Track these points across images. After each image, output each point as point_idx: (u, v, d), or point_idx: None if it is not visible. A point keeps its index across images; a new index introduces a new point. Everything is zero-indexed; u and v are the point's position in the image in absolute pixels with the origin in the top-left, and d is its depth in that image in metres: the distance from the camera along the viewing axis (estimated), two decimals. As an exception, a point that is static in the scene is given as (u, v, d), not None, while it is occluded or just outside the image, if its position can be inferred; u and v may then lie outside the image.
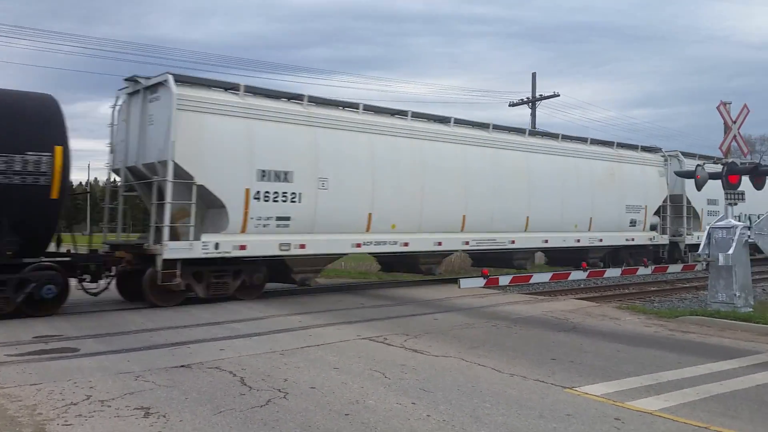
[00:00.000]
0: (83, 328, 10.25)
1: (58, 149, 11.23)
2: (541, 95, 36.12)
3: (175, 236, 12.74)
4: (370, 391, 6.64)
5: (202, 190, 12.91)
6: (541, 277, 18.83)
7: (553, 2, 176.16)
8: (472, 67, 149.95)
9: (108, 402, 6.16)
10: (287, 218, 13.86)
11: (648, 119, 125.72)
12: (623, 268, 21.71)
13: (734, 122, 13.66)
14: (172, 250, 12.48)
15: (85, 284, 12.33)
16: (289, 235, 13.94)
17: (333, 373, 7.39)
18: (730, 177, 13.09)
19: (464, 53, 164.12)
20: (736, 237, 12.41)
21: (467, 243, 17.59)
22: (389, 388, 6.75)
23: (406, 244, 16.12)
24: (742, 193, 13.26)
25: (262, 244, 13.59)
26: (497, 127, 19.04)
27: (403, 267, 18.25)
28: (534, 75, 36.48)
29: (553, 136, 21.02)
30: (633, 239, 22.53)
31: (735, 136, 13.65)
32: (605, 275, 20.44)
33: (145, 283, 12.64)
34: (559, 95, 35.68)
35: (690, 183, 19.67)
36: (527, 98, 36.51)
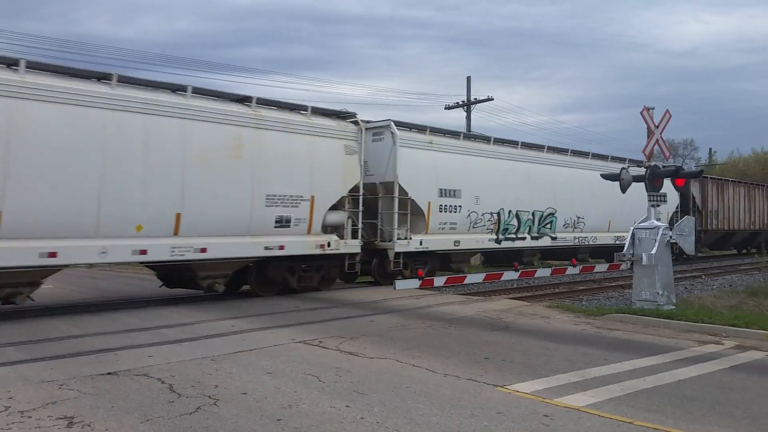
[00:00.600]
0: (3, 335, 9.78)
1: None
2: (476, 99, 36.68)
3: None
4: (303, 395, 6.57)
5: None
6: (475, 278, 19.14)
7: (488, 8, 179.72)
8: (410, 70, 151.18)
9: (28, 413, 5.89)
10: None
11: (577, 124, 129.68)
12: (553, 267, 22.31)
13: (657, 127, 14.22)
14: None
15: None
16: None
17: (266, 378, 7.29)
18: (653, 180, 13.61)
19: (401, 56, 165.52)
20: (658, 237, 12.92)
21: None
22: (323, 392, 6.70)
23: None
24: (665, 195, 13.81)
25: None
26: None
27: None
28: (469, 79, 37.00)
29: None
30: (282, 247, 14.59)
31: (657, 140, 14.20)
32: (536, 275, 20.94)
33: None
34: (493, 99, 36.29)
35: (406, 165, 17.21)
36: (462, 101, 37.03)
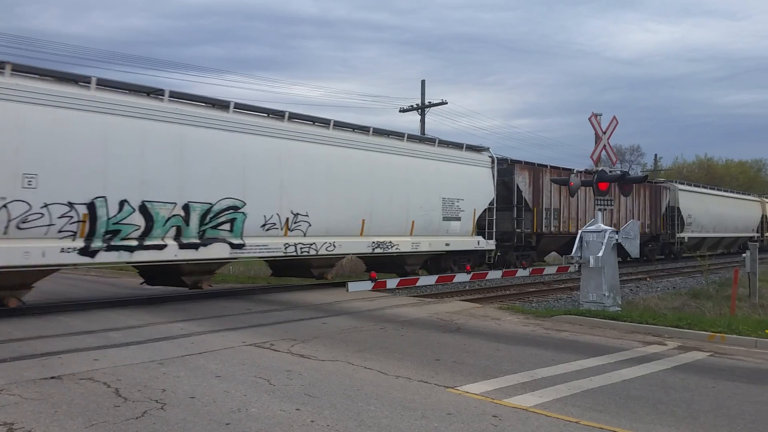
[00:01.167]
0: (-62, 340, 9.40)
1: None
2: (430, 102, 36.97)
3: None
4: (253, 398, 6.51)
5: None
6: (428, 280, 19.25)
7: (443, 13, 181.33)
8: (365, 72, 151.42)
9: (-36, 421, 5.67)
10: None
11: (530, 129, 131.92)
12: (504, 270, 22.62)
13: (604, 133, 14.57)
14: None
15: None
16: None
17: (215, 381, 7.18)
18: (600, 184, 13.94)
19: (357, 58, 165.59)
20: (605, 241, 13.24)
21: None
22: (273, 395, 6.64)
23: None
24: (612, 200, 14.16)
25: None
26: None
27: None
28: (423, 82, 37.28)
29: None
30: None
31: (605, 146, 14.55)
32: (487, 277, 21.19)
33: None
34: (447, 103, 36.67)
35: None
36: (417, 105, 37.25)
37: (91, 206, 12.25)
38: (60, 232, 11.87)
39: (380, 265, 19.84)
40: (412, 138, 19.93)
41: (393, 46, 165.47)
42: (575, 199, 25.76)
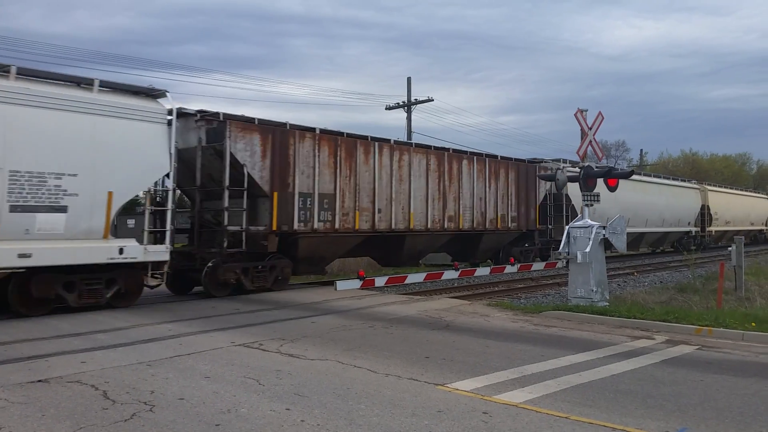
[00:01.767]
0: None
1: None
2: (416, 99, 36.97)
3: None
4: (243, 399, 6.48)
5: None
6: (416, 278, 19.26)
7: (429, 10, 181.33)
8: (351, 70, 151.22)
9: (-51, 426, 5.60)
10: None
11: (516, 125, 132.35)
12: (492, 266, 22.67)
13: (590, 128, 14.64)
14: None
15: None
16: None
17: (204, 382, 7.15)
18: (587, 180, 14.00)
19: (343, 56, 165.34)
20: (592, 236, 13.30)
21: None
22: (263, 395, 6.62)
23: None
24: (598, 195, 14.23)
25: None
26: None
27: None
28: (409, 80, 37.29)
29: None
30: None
31: (591, 142, 14.61)
32: (475, 274, 21.25)
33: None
34: (433, 100, 36.70)
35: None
36: (403, 102, 37.25)
37: None
38: None
39: None
40: None
41: (379, 43, 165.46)
42: (383, 178, 18.69)
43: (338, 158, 17.50)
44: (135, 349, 8.99)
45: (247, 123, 15.61)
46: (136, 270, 13.30)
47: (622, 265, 26.18)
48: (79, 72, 15.42)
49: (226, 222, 15.16)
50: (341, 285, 16.91)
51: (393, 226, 19.08)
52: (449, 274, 20.25)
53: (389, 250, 20.19)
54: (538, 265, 24.28)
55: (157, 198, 14.38)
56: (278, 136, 16.14)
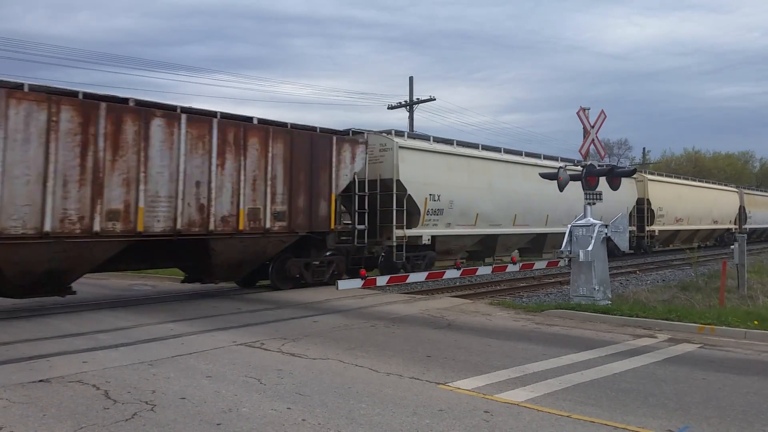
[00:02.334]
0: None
1: None
2: (418, 99, 36.93)
3: None
4: (244, 398, 6.47)
5: None
6: (418, 277, 19.19)
7: (431, 9, 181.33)
8: (354, 70, 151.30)
9: (-50, 426, 5.61)
10: None
11: (519, 124, 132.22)
12: (494, 265, 22.61)
13: (592, 127, 14.59)
14: None
15: None
16: None
17: (205, 381, 7.14)
18: (588, 178, 13.97)
19: (345, 56, 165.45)
20: (594, 235, 13.27)
21: None
22: (264, 394, 6.61)
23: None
24: (600, 193, 14.19)
25: None
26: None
27: None
28: (411, 79, 37.23)
29: None
30: None
31: (593, 140, 14.57)
32: (477, 273, 21.21)
33: None
34: (435, 99, 36.63)
35: None
36: (405, 101, 37.21)
37: None
38: None
39: None
40: None
41: (381, 43, 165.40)
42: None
43: None
44: (136, 349, 8.99)
45: None
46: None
47: (624, 264, 26.14)
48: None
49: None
50: (343, 284, 16.88)
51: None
52: (451, 273, 20.22)
53: None
54: (541, 264, 24.16)
55: None
56: None
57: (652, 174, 34.56)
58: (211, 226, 14.29)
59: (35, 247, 11.82)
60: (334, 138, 17.04)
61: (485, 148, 22.94)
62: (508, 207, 22.77)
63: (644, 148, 73.25)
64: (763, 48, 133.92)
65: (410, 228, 19.10)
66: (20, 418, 5.81)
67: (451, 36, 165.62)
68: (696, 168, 67.73)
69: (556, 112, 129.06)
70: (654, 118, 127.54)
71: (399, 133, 19.66)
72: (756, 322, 10.58)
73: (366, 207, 18.38)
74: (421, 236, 19.45)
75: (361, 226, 18.18)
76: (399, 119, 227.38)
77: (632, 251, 27.15)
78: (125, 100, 13.19)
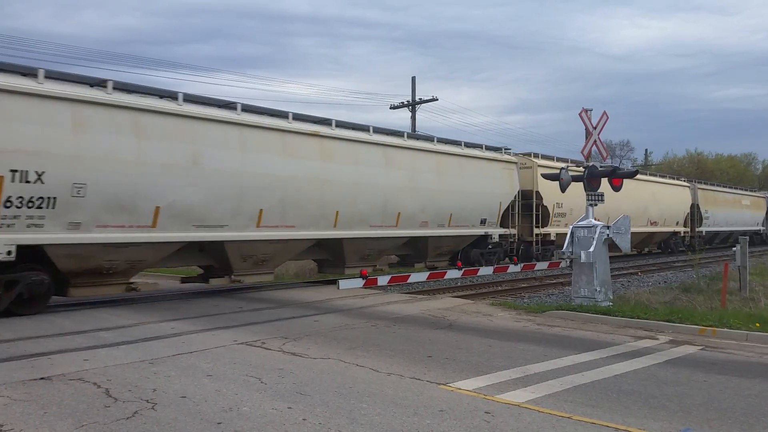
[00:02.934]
0: (-75, 342, 9.30)
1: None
2: (420, 99, 36.94)
3: None
4: (245, 397, 6.47)
5: None
6: (419, 277, 19.18)
7: (434, 10, 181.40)
8: (357, 70, 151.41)
9: (-49, 423, 5.61)
10: None
11: (522, 125, 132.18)
12: (495, 266, 22.59)
13: (595, 128, 14.58)
14: None
15: None
16: None
17: (206, 380, 7.14)
18: (590, 180, 13.95)
19: (349, 56, 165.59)
20: (596, 236, 13.26)
21: None
22: (265, 394, 6.61)
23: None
24: (602, 194, 14.18)
25: None
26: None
27: None
28: (414, 79, 37.26)
29: None
30: None
31: (595, 141, 14.56)
32: (479, 273, 21.18)
33: None
34: (437, 99, 36.65)
35: None
36: (407, 101, 37.22)
37: None
38: None
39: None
40: None
41: (385, 43, 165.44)
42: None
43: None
44: (138, 347, 9.00)
45: None
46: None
47: (626, 265, 26.12)
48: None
49: None
50: (344, 284, 16.87)
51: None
52: (452, 274, 20.20)
53: None
54: (542, 265, 24.11)
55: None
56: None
57: (544, 158, 26.71)
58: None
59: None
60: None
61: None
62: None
63: (646, 150, 73.50)
64: (766, 50, 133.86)
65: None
66: (21, 415, 5.82)
67: (455, 36, 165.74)
68: (698, 170, 67.62)
69: (560, 112, 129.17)
70: (657, 119, 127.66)
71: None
72: (758, 325, 10.56)
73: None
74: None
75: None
76: (401, 119, 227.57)
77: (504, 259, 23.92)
78: None
